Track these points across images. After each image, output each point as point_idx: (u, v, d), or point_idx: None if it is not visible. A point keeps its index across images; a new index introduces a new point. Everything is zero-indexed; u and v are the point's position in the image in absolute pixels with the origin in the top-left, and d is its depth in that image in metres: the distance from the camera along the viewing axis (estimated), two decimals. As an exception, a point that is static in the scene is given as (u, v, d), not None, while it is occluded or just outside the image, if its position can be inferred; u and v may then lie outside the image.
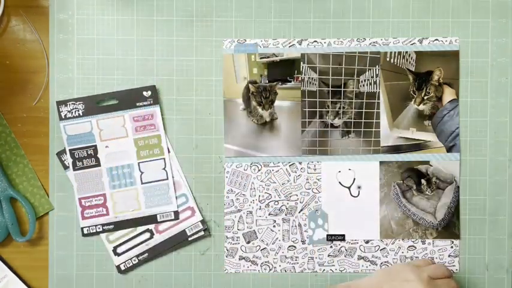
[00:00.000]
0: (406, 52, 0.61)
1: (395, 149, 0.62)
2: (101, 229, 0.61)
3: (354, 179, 0.62)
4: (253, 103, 0.62)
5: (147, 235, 0.61)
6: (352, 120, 0.62)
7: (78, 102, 0.60)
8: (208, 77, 0.62)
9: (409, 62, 0.61)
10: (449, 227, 0.61)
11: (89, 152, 0.60)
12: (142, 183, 0.61)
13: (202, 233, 0.61)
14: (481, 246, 0.62)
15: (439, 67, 0.61)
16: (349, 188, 0.62)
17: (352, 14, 0.62)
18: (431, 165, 0.62)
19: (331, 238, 0.61)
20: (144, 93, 0.61)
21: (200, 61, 0.61)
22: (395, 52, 0.61)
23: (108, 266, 0.61)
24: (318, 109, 0.62)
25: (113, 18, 0.61)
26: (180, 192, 0.61)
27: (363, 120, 0.62)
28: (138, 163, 0.61)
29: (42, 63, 0.61)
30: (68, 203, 0.61)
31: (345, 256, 0.61)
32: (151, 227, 0.61)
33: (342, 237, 0.61)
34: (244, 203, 0.61)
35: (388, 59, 0.61)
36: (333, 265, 0.61)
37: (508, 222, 0.62)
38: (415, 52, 0.61)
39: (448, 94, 0.62)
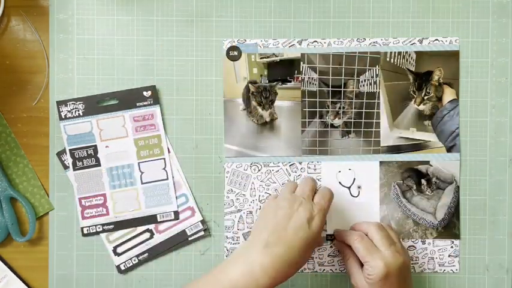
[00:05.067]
0: (406, 52, 0.61)
1: (395, 149, 0.62)
2: (101, 229, 0.61)
3: (354, 179, 0.62)
4: (253, 103, 0.62)
5: (147, 235, 0.61)
6: (352, 120, 0.62)
7: (78, 102, 0.60)
8: (208, 77, 0.62)
9: (409, 62, 0.61)
10: (449, 227, 0.61)
11: (89, 152, 0.60)
12: (142, 183, 0.61)
13: (202, 233, 0.61)
14: (481, 246, 0.62)
15: (439, 67, 0.61)
16: (349, 188, 0.62)
17: (352, 14, 0.62)
18: (431, 165, 0.62)
19: (331, 238, 0.61)
20: (144, 93, 0.61)
21: (200, 61, 0.61)
22: (395, 52, 0.61)
23: (108, 266, 0.61)
24: (318, 109, 0.62)
25: (113, 18, 0.61)
26: (180, 192, 0.61)
27: (363, 120, 0.62)
28: (138, 163, 0.61)
29: (42, 63, 0.61)
30: (68, 203, 0.61)
31: (345, 256, 0.61)
32: (151, 227, 0.61)
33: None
34: (244, 203, 0.61)
35: (388, 59, 0.61)
36: (333, 265, 0.61)
37: (508, 222, 0.62)
38: (415, 52, 0.61)
39: (448, 94, 0.62)
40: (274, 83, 0.62)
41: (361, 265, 0.54)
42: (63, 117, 0.60)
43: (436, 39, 0.61)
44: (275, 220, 0.50)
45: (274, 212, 0.51)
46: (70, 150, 0.60)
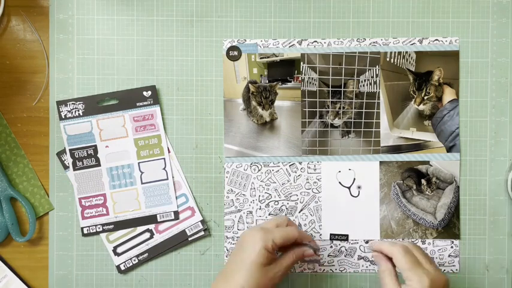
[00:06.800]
0: (406, 52, 0.61)
1: (395, 149, 0.62)
2: (101, 229, 0.61)
3: (354, 179, 0.62)
4: (253, 103, 0.62)
5: (147, 235, 0.61)
6: (352, 120, 0.62)
7: (78, 102, 0.60)
8: (208, 77, 0.62)
9: (409, 62, 0.61)
10: (449, 227, 0.61)
11: (89, 152, 0.60)
12: (142, 183, 0.61)
13: (202, 233, 0.61)
14: (481, 246, 0.62)
15: (439, 67, 0.61)
16: (349, 188, 0.62)
17: (352, 14, 0.62)
18: (431, 165, 0.62)
19: (334, 238, 0.61)
20: (144, 93, 0.61)
21: (200, 61, 0.61)
22: (395, 52, 0.61)
23: (108, 266, 0.61)
24: (318, 109, 0.62)
25: (113, 18, 0.61)
26: (180, 192, 0.61)
27: (363, 120, 0.62)
28: (138, 163, 0.61)
29: (42, 63, 0.61)
30: (68, 203, 0.61)
31: (345, 256, 0.61)
32: (151, 227, 0.61)
33: (345, 237, 0.61)
34: (244, 203, 0.61)
35: (388, 59, 0.61)
36: (333, 265, 0.61)
37: (508, 222, 0.62)
38: (415, 52, 0.61)
39: (448, 94, 0.62)
40: (274, 83, 0.62)
41: (397, 279, 0.52)
42: (63, 117, 0.60)
43: (436, 39, 0.61)
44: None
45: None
46: (70, 150, 0.60)
